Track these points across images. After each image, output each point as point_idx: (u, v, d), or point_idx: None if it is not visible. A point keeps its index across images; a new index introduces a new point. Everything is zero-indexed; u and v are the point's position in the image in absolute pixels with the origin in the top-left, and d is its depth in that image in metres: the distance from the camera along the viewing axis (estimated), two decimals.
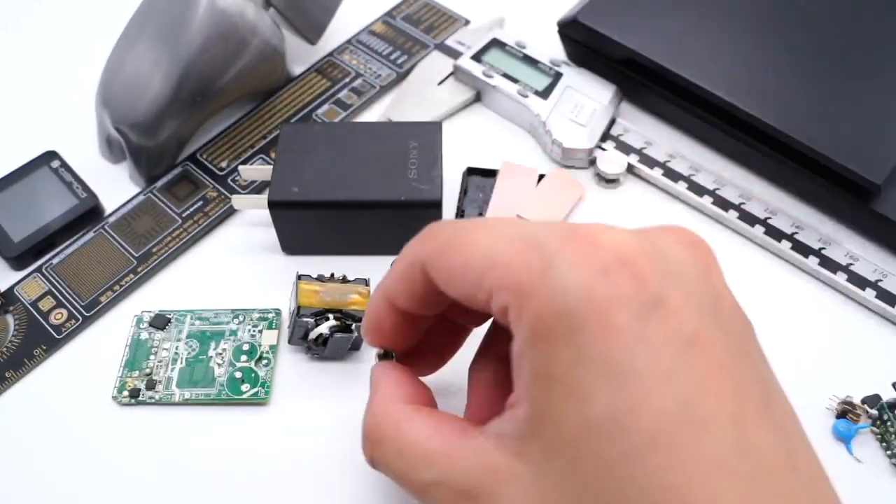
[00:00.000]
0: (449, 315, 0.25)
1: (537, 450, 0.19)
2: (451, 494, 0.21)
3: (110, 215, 0.36)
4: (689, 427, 0.17)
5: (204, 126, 0.38)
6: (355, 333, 0.30)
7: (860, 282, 0.33)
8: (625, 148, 0.37)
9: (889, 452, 0.29)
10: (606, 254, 0.19)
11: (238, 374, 0.31)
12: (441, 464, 0.21)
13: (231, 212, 0.36)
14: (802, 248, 0.34)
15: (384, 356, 0.26)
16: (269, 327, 0.32)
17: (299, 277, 0.31)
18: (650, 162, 0.37)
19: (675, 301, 0.19)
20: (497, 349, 0.25)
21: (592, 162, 0.37)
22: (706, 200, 0.36)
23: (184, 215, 0.36)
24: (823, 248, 0.34)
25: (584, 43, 0.39)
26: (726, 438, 0.18)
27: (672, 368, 0.18)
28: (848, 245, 0.34)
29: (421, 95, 0.40)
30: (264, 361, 0.31)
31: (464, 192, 0.36)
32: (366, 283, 0.31)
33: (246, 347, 0.32)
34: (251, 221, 0.36)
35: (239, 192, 0.37)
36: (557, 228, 0.20)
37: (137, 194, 0.37)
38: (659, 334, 0.18)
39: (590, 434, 0.18)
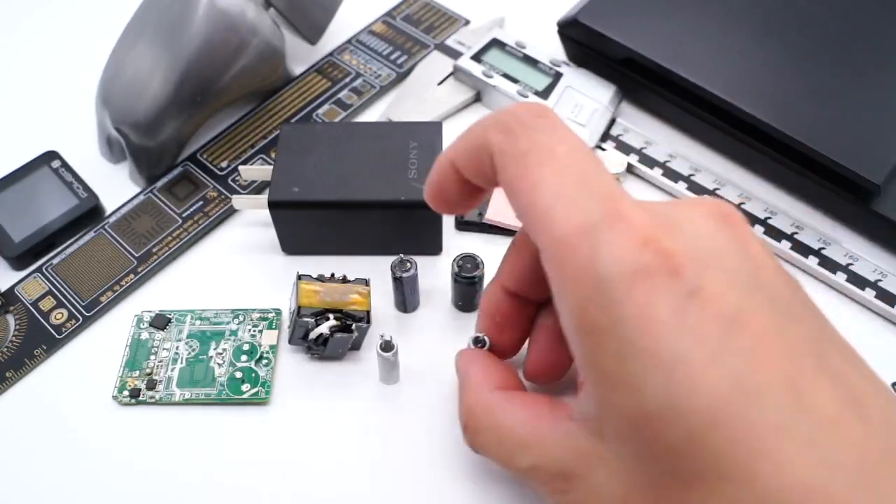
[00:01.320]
0: (525, 294, 0.27)
1: (611, 434, 0.21)
2: (546, 477, 0.23)
3: (110, 215, 0.36)
4: (743, 400, 0.18)
5: (204, 126, 0.38)
6: (355, 333, 0.30)
7: (860, 282, 0.33)
8: (625, 148, 0.37)
9: None
10: (646, 253, 0.19)
11: (238, 374, 0.31)
12: (536, 450, 0.23)
13: (231, 212, 0.36)
14: (802, 248, 0.34)
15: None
16: (270, 327, 0.32)
17: (299, 277, 0.31)
18: (650, 162, 0.37)
19: (713, 286, 0.19)
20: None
21: None
22: None
23: (184, 215, 0.36)
24: (823, 248, 0.34)
25: (584, 43, 0.39)
26: (784, 403, 0.18)
27: (718, 349, 0.18)
28: (848, 245, 0.34)
29: (421, 95, 0.40)
30: (264, 361, 0.31)
31: None
32: (366, 283, 0.31)
33: (246, 347, 0.32)
34: (251, 221, 0.36)
35: (239, 192, 0.37)
36: (607, 210, 0.20)
37: (138, 194, 0.37)
38: (700, 320, 0.19)
39: (650, 422, 0.19)
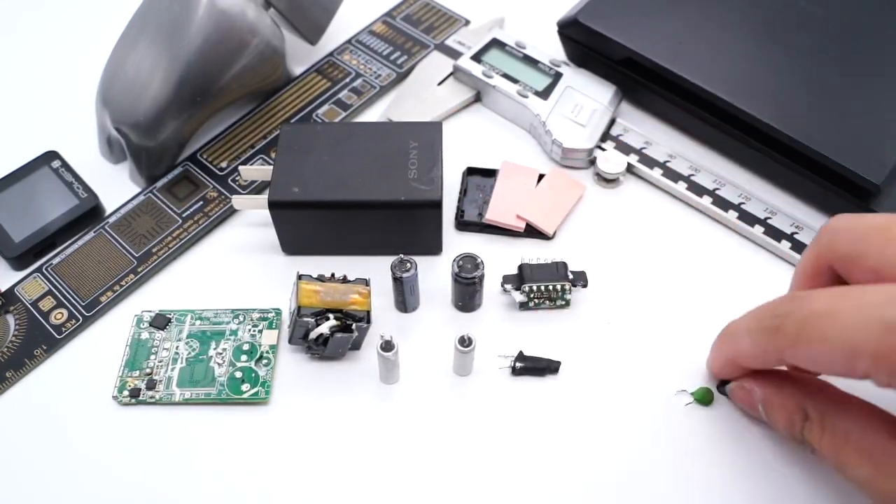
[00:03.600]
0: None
1: None
2: (886, 493, 0.24)
3: (111, 215, 0.36)
4: None
5: (204, 126, 0.38)
6: (355, 333, 0.30)
7: None
8: (625, 148, 0.37)
9: None
10: None
11: (238, 374, 0.31)
12: (877, 464, 0.24)
13: (231, 212, 0.36)
14: (802, 248, 0.34)
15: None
16: (270, 327, 0.32)
17: (299, 277, 0.31)
18: (650, 162, 0.37)
19: None
20: None
21: (592, 162, 0.37)
22: (706, 200, 0.36)
23: (184, 215, 0.36)
24: None
25: (584, 43, 0.39)
26: None
27: None
28: None
29: (421, 95, 0.40)
30: (264, 361, 0.31)
31: (464, 192, 0.37)
32: (366, 283, 0.31)
33: (246, 347, 0.32)
34: (251, 221, 0.36)
35: (239, 192, 0.37)
36: None
37: (138, 194, 0.37)
38: None
39: None
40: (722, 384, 0.30)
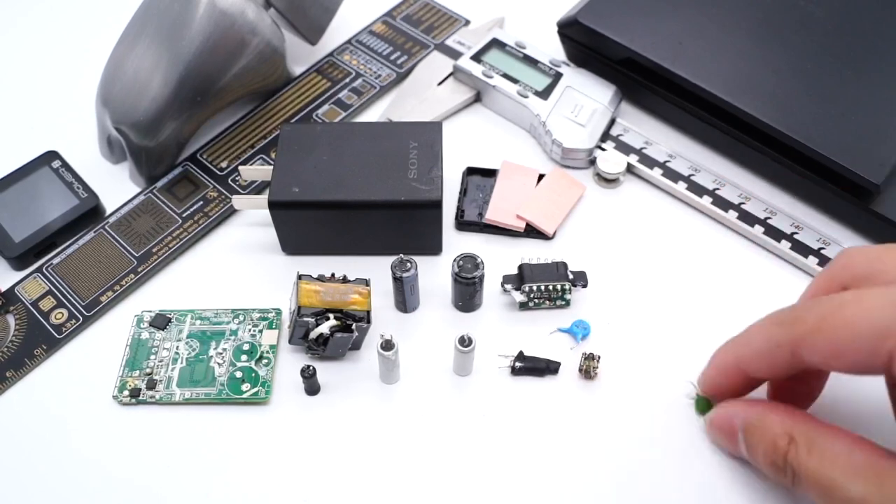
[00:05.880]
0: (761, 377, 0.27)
1: None
2: None
3: (111, 215, 0.36)
4: None
5: (204, 126, 0.38)
6: (355, 333, 0.30)
7: None
8: (625, 148, 0.37)
9: None
10: None
11: (238, 374, 0.31)
12: (870, 479, 0.22)
13: (231, 212, 0.36)
14: (802, 248, 0.34)
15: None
16: (270, 327, 0.32)
17: (299, 277, 0.31)
18: (650, 162, 0.37)
19: None
20: None
21: (592, 162, 0.37)
22: (706, 200, 0.36)
23: (184, 215, 0.36)
24: (823, 248, 0.34)
25: (584, 43, 0.39)
26: None
27: None
28: (847, 245, 0.34)
29: (421, 95, 0.40)
30: (264, 361, 0.31)
31: (464, 192, 0.37)
32: (366, 283, 0.31)
33: (246, 347, 0.32)
34: (251, 221, 0.36)
35: (239, 192, 0.37)
36: None
37: (138, 194, 0.37)
38: None
39: None
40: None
